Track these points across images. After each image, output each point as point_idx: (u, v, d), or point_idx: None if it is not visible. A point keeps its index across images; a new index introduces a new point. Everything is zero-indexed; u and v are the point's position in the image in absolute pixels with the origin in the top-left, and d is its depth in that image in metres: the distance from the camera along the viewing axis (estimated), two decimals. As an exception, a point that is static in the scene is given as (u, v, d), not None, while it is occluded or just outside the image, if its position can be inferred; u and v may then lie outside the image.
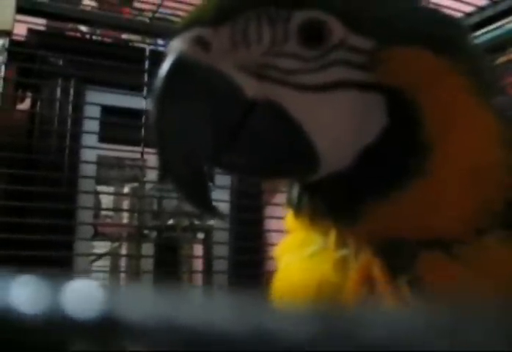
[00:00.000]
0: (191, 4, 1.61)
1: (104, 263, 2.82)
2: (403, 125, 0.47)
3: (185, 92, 0.47)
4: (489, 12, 1.50)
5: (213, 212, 0.51)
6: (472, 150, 0.48)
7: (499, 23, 1.49)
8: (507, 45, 1.47)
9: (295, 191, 0.53)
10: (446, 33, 0.51)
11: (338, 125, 0.48)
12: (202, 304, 0.16)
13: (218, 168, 0.52)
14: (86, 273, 1.98)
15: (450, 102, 0.48)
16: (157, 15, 1.71)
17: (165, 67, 0.48)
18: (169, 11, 1.90)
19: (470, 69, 0.50)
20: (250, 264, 2.07)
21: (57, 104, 1.90)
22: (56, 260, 1.67)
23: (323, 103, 0.48)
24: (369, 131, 0.48)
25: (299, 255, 0.55)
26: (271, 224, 2.06)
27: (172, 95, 0.48)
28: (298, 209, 0.53)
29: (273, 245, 2.07)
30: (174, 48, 0.48)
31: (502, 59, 1.49)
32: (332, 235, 0.51)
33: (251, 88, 0.48)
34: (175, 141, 0.48)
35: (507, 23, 1.48)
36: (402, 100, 0.47)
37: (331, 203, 0.50)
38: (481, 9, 1.51)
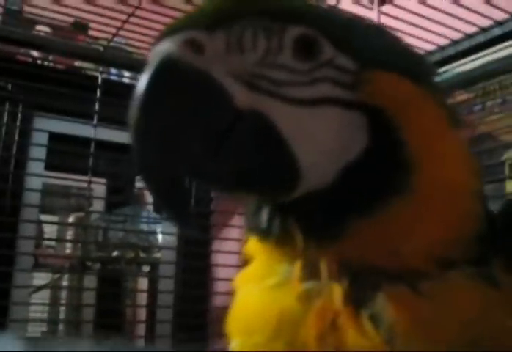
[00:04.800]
0: (146, 35, 1.61)
1: (44, 295, 2.72)
2: (383, 145, 0.48)
3: (172, 96, 0.46)
4: (437, 57, 1.55)
5: (190, 223, 0.49)
6: (449, 174, 0.49)
7: (445, 68, 1.54)
8: (453, 88, 1.52)
9: (265, 214, 0.52)
10: (420, 66, 0.55)
11: (321, 140, 0.48)
12: None
13: (198, 178, 0.50)
14: (24, 305, 1.89)
15: (428, 126, 0.49)
16: (112, 44, 1.70)
17: (151, 67, 0.46)
18: (123, 40, 1.89)
19: (441, 101, 0.53)
20: (196, 299, 2.03)
21: (4, 129, 1.85)
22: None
23: (309, 118, 0.48)
24: (351, 149, 0.48)
25: (260, 286, 0.53)
26: (218, 259, 2.04)
27: (157, 98, 0.46)
28: (266, 233, 0.52)
29: (220, 280, 2.04)
30: (161, 51, 0.47)
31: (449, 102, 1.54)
32: (298, 264, 0.51)
33: (241, 97, 0.47)
34: (157, 147, 0.46)
35: (454, 67, 1.53)
36: (383, 119, 0.48)
37: (308, 223, 0.49)
38: (429, 53, 1.56)
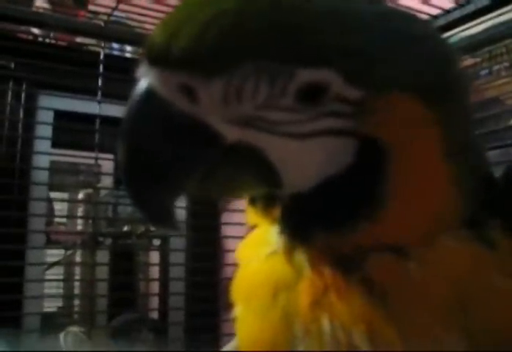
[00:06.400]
0: (146, 8, 1.59)
1: (58, 271, 2.76)
2: (367, 168, 0.47)
3: (162, 135, 0.45)
4: (442, 21, 1.53)
5: (175, 228, 0.50)
6: (426, 206, 0.48)
7: (451, 32, 1.52)
8: (459, 53, 1.50)
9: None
10: (441, 75, 0.50)
11: (309, 162, 0.47)
12: None
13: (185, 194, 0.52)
14: (39, 282, 1.92)
15: (419, 157, 0.47)
16: (112, 18, 1.68)
17: (141, 105, 0.46)
18: (123, 14, 1.87)
19: (450, 114, 0.49)
20: (207, 271, 2.05)
21: (8, 108, 1.85)
22: (6, 270, 1.62)
23: (301, 148, 0.47)
24: (334, 165, 0.47)
25: (258, 254, 0.55)
26: (227, 231, 2.05)
27: (146, 140, 0.46)
28: (252, 201, 0.53)
29: (229, 251, 2.05)
30: (150, 87, 0.45)
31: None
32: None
33: (233, 135, 0.46)
34: (144, 182, 0.47)
35: (459, 31, 1.51)
36: (375, 147, 0.46)
37: (288, 219, 0.50)
38: (434, 17, 1.54)
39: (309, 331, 0.48)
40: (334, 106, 0.46)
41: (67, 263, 2.75)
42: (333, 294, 0.47)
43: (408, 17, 0.53)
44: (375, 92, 0.46)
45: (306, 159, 0.47)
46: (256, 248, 0.56)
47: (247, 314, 0.55)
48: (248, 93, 0.45)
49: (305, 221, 0.49)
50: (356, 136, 0.46)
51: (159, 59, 0.44)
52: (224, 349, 1.21)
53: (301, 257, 0.50)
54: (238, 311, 0.56)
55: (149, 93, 0.45)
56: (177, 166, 0.46)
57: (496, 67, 1.54)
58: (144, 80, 0.46)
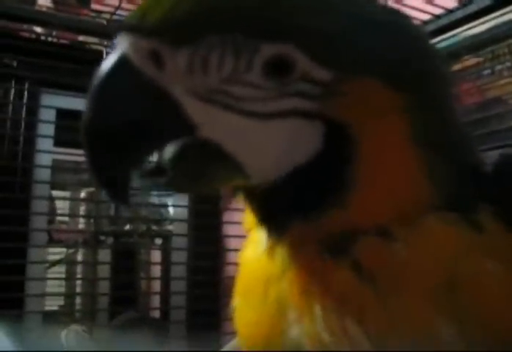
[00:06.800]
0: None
1: (59, 270, 2.77)
2: (335, 155, 0.48)
3: (127, 103, 0.47)
4: (445, 21, 1.53)
5: (128, 202, 0.50)
6: (393, 191, 0.49)
7: (454, 32, 1.52)
8: (462, 52, 1.50)
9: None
10: (415, 65, 0.50)
11: (273, 146, 0.48)
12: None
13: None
14: (41, 280, 1.93)
15: (385, 143, 0.48)
16: (115, 17, 1.68)
17: (112, 68, 0.47)
18: (126, 13, 1.87)
19: (423, 104, 0.50)
20: (208, 270, 2.05)
21: (10, 107, 1.85)
22: (8, 268, 1.62)
23: (262, 130, 0.47)
24: (302, 153, 0.48)
25: (255, 252, 0.56)
26: (229, 229, 2.05)
27: (111, 101, 0.47)
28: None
29: (231, 250, 2.05)
30: (125, 49, 0.46)
31: (456, 67, 1.52)
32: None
33: (197, 114, 0.47)
34: (102, 145, 0.47)
35: (462, 31, 1.51)
36: (342, 133, 0.47)
37: (261, 210, 0.52)
38: (437, 17, 1.54)
39: (302, 318, 0.49)
40: (301, 86, 0.47)
41: (69, 262, 2.75)
42: (322, 280, 0.48)
43: (389, 11, 0.55)
44: (344, 74, 0.47)
45: (270, 143, 0.48)
46: (253, 246, 0.57)
47: (245, 311, 0.56)
48: (213, 65, 0.46)
49: (278, 211, 0.50)
50: (322, 119, 0.47)
51: (133, 28, 0.47)
52: (225, 349, 1.21)
53: (282, 248, 0.51)
54: (236, 304, 0.58)
55: (121, 58, 0.47)
56: (134, 133, 0.46)
57: (498, 67, 1.54)
58: (119, 47, 0.47)
